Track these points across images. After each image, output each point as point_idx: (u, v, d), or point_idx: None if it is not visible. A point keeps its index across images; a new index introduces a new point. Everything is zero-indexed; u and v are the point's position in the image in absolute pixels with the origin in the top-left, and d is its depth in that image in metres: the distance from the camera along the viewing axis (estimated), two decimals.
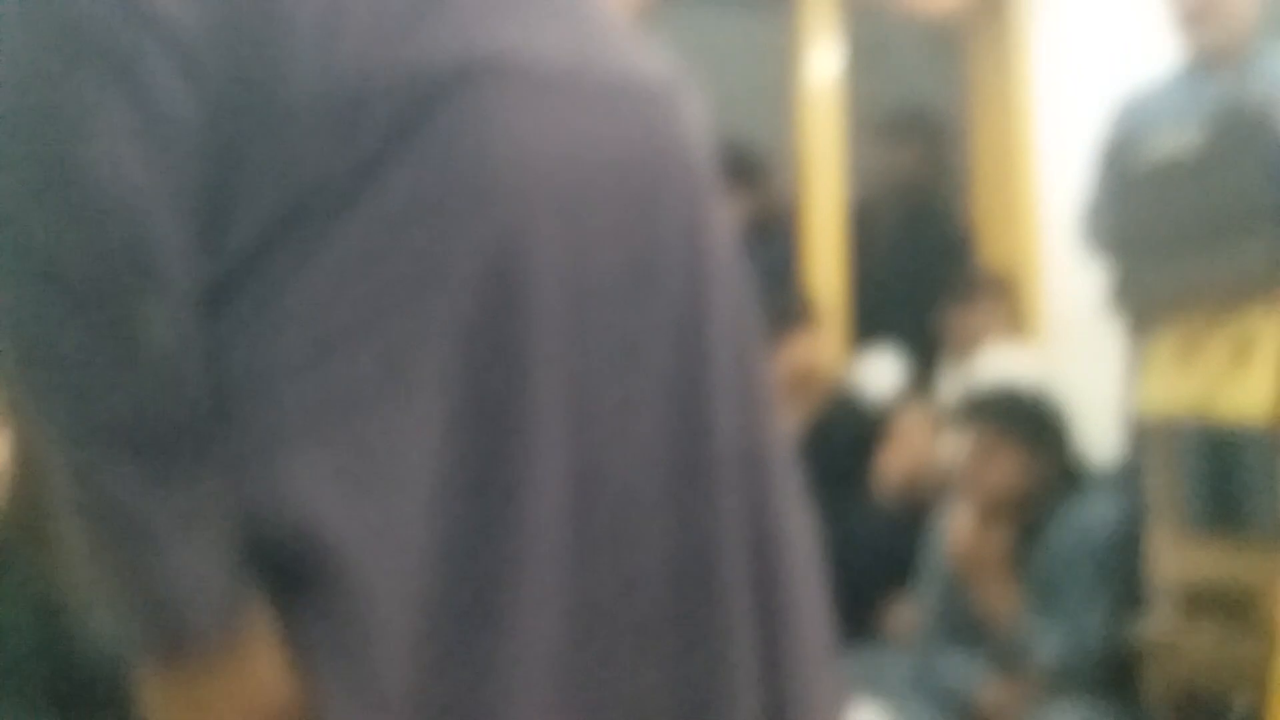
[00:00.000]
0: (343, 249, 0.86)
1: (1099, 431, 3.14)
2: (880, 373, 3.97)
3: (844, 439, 3.68)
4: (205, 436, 0.82)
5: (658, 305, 0.93)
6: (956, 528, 2.98)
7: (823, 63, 4.17)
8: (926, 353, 4.03)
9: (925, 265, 4.16)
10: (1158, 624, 2.62)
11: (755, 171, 4.38)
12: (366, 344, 0.85)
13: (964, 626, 2.96)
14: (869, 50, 4.38)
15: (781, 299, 3.89)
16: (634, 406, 0.92)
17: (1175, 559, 2.64)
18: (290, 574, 0.82)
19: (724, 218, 1.01)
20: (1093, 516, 2.85)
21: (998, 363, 3.62)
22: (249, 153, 0.86)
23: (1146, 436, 2.78)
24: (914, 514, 3.35)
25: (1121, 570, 2.75)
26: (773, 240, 4.23)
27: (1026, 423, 2.98)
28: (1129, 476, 2.86)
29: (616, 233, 0.92)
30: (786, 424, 1.01)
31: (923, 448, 3.39)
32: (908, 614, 3.22)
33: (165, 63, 0.83)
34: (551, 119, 0.90)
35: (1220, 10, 3.05)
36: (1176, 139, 2.63)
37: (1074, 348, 3.75)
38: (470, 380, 0.86)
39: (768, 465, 1.01)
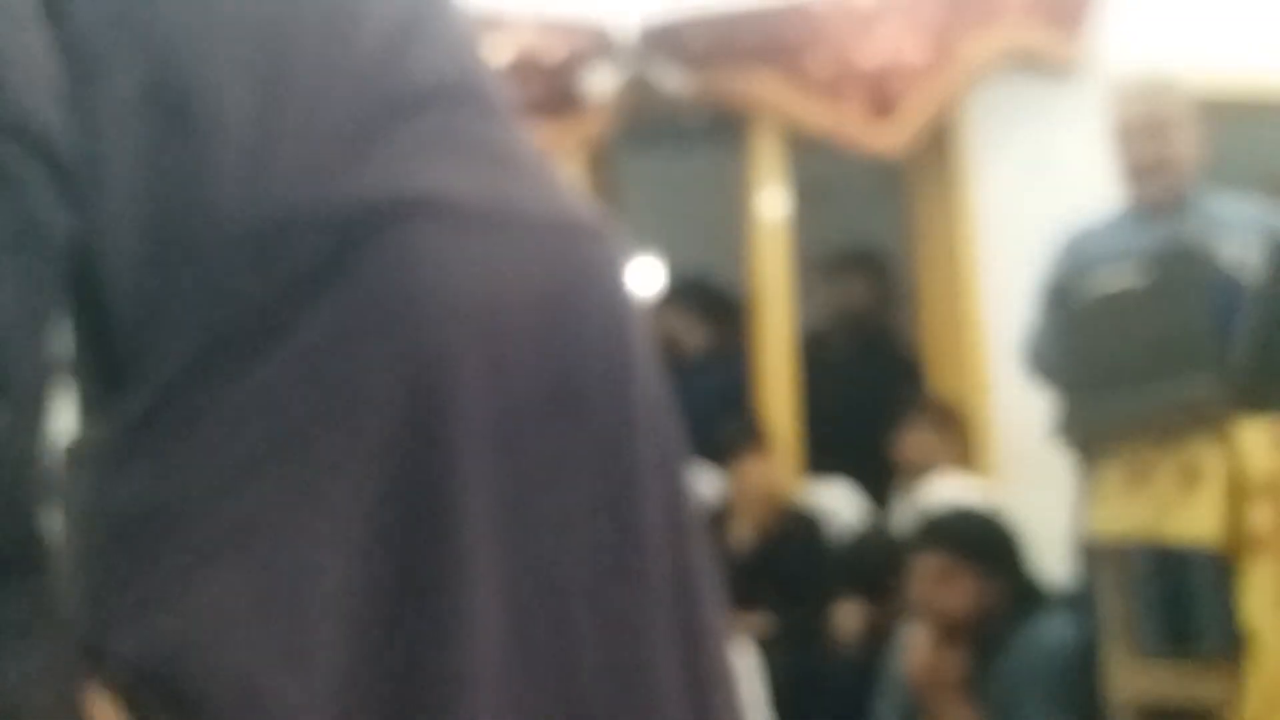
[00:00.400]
0: (263, 378, 0.86)
1: (1051, 556, 3.21)
2: (837, 503, 4.05)
3: (799, 556, 3.76)
4: (38, 552, 0.80)
5: (582, 428, 0.96)
6: (914, 650, 3.03)
7: (773, 200, 4.29)
8: (878, 480, 4.10)
9: (875, 394, 4.22)
10: None
11: (721, 304, 4.50)
12: (281, 470, 0.85)
13: None
14: (817, 188, 4.51)
15: (735, 422, 4.00)
16: (563, 523, 0.94)
17: (1130, 679, 2.71)
18: (199, 703, 0.81)
19: (647, 348, 1.04)
20: (1049, 637, 2.92)
21: (948, 489, 3.69)
22: (172, 284, 0.87)
23: (1098, 560, 2.86)
24: (871, 648, 3.40)
25: (1079, 690, 2.81)
26: (727, 368, 4.34)
27: (982, 545, 3.04)
28: (1083, 599, 2.93)
29: (539, 361, 0.94)
30: (724, 546, 1.10)
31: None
32: None
33: (40, 175, 0.81)
34: (475, 254, 0.92)
35: (1169, 165, 3.17)
36: (1120, 275, 2.75)
37: (1023, 473, 3.82)
38: (394, 504, 0.86)
39: (696, 582, 1.03)
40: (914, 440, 3.94)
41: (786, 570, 3.77)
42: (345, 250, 0.88)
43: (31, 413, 0.80)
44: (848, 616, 3.55)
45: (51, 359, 0.83)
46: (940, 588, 2.99)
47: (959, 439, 3.98)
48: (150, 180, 0.88)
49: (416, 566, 0.86)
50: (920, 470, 3.86)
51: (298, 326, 0.87)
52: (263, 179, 0.89)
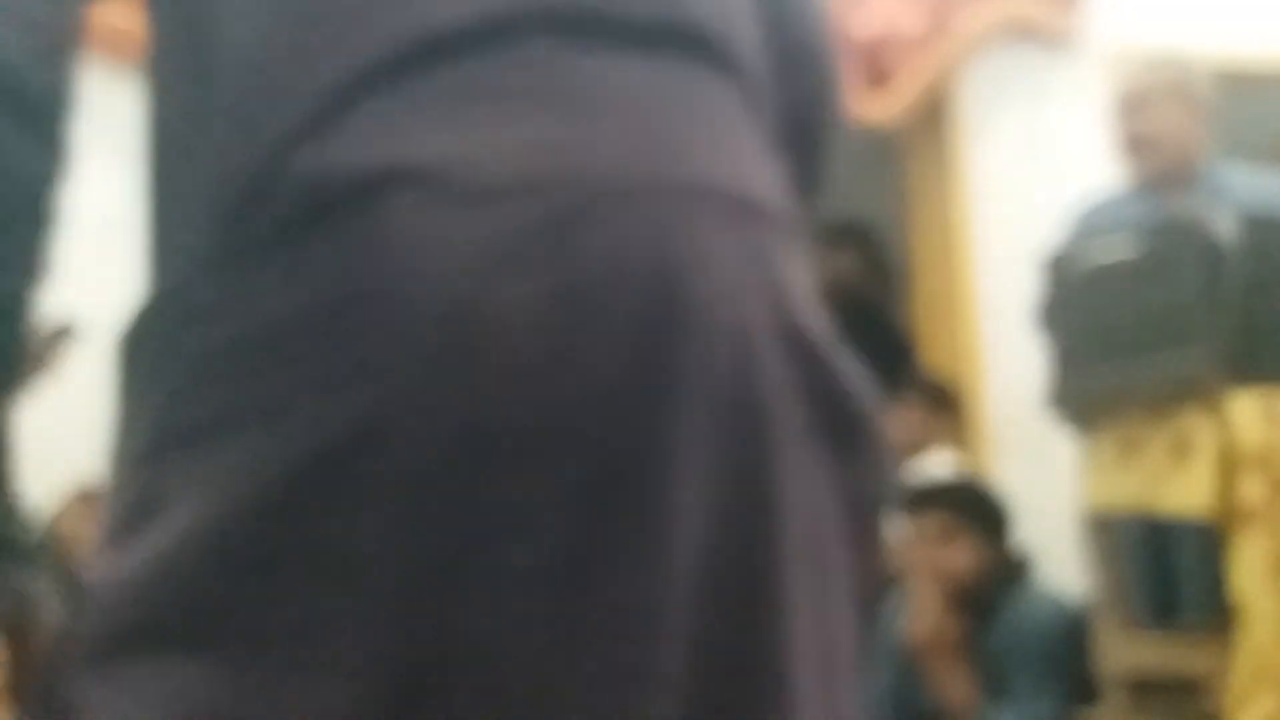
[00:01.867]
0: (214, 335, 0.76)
1: (1044, 530, 3.23)
2: None
3: None
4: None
5: (569, 459, 0.73)
6: (920, 613, 3.04)
7: None
8: None
9: (866, 368, 4.20)
10: (1108, 712, 2.70)
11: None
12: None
13: (919, 717, 3.02)
14: None
15: None
16: (509, 579, 0.73)
17: (1122, 649, 2.72)
18: None
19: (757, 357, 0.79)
20: (1040, 608, 2.94)
21: (939, 468, 3.69)
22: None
23: (1090, 532, 2.87)
24: None
25: (1070, 661, 2.83)
26: None
27: (979, 508, 3.08)
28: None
29: (524, 376, 0.73)
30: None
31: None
32: None
33: None
34: (459, 236, 0.73)
35: (1159, 140, 3.16)
36: (1116, 246, 2.75)
37: (1017, 447, 3.83)
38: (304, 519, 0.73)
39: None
40: (906, 420, 3.93)
41: None
42: (310, 220, 0.75)
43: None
44: None
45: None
46: (942, 547, 3.01)
47: (952, 418, 3.97)
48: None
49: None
50: (912, 450, 3.85)
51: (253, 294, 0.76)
52: (250, 114, 0.80)
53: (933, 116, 4.24)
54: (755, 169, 0.85)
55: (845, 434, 0.86)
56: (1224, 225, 2.53)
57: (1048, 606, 2.96)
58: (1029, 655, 2.87)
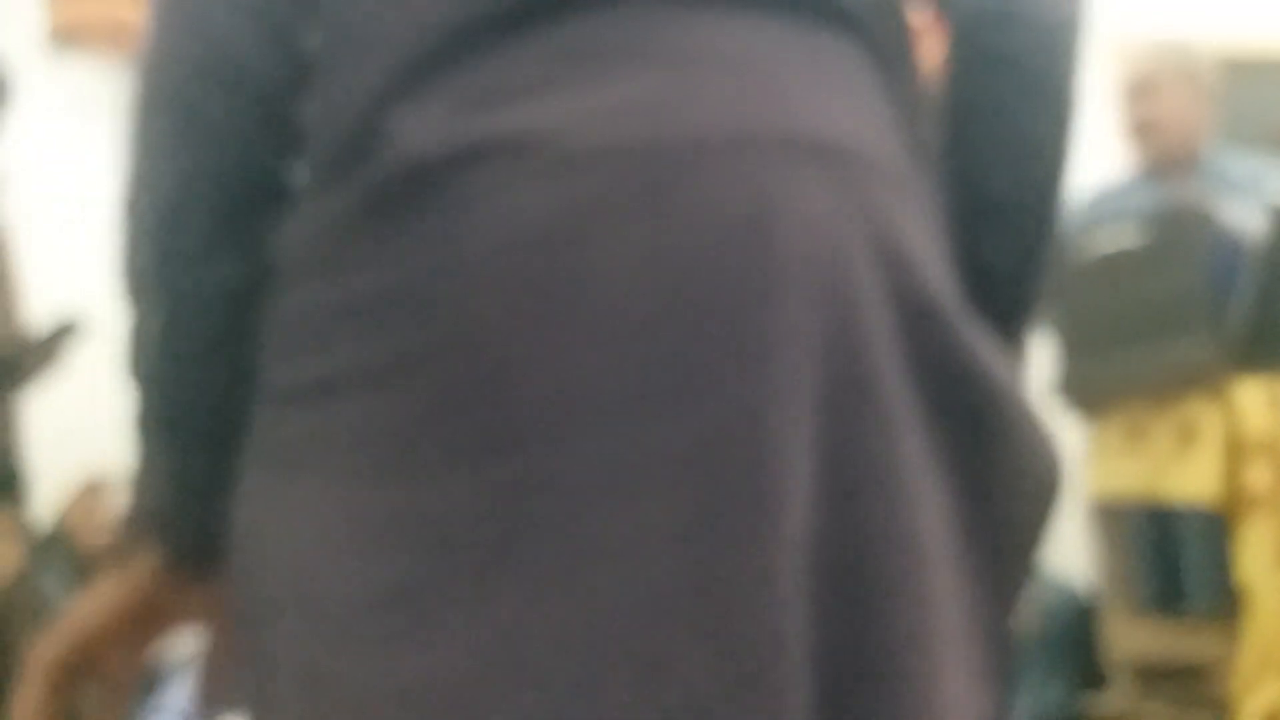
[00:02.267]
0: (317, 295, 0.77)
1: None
2: None
3: None
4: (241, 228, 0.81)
5: (677, 431, 0.71)
6: None
7: None
8: None
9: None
10: (1116, 697, 2.71)
11: None
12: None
13: None
14: None
15: None
16: (630, 549, 0.71)
17: (1128, 636, 2.73)
18: None
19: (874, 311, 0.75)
20: (1047, 596, 2.95)
21: None
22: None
23: (1096, 519, 2.88)
24: None
25: (1078, 646, 2.84)
26: None
27: None
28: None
29: (619, 336, 0.71)
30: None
31: None
32: None
33: None
34: (545, 204, 0.72)
35: (1167, 125, 3.17)
36: (1119, 235, 2.76)
37: None
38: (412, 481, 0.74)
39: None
40: None
41: None
42: (396, 196, 0.75)
43: (258, 105, 0.81)
44: None
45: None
46: None
47: None
48: None
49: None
50: None
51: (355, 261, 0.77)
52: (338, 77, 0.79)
53: (939, 105, 4.23)
54: (868, 125, 0.80)
55: (970, 420, 0.78)
56: (1245, 215, 2.54)
57: (1055, 594, 2.97)
58: (1036, 642, 2.87)
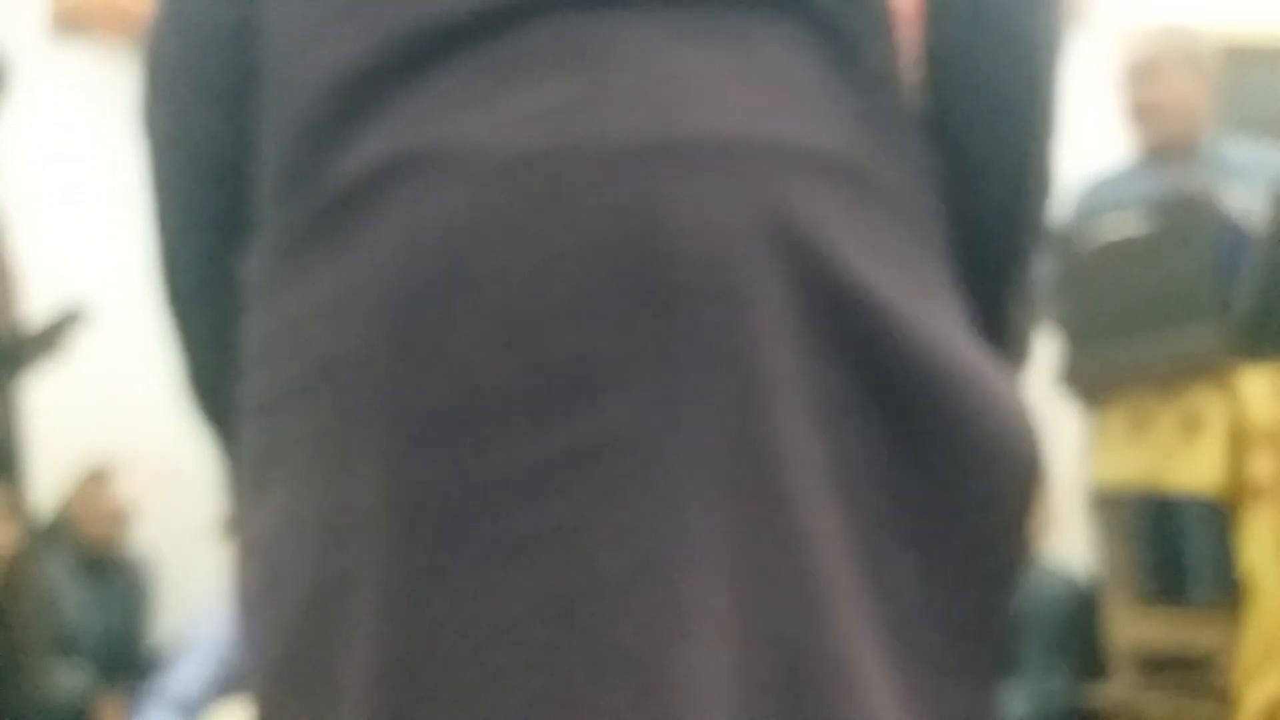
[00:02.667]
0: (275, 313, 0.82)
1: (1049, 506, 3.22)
2: None
3: None
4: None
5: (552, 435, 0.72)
6: None
7: None
8: None
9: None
10: (1118, 687, 2.71)
11: None
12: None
13: None
14: None
15: None
16: (491, 562, 0.72)
17: (1130, 626, 2.73)
18: None
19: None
20: (1050, 585, 2.94)
21: None
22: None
23: (1099, 509, 2.87)
24: None
25: (1080, 636, 2.84)
26: None
27: None
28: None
29: (510, 342, 0.73)
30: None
31: None
32: None
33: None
34: (460, 211, 0.74)
35: (1168, 108, 3.16)
36: (1124, 223, 2.75)
37: None
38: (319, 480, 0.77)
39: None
40: None
41: None
42: (330, 218, 0.79)
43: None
44: None
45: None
46: None
47: None
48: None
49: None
50: None
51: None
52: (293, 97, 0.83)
53: None
54: (794, 114, 0.79)
55: (910, 404, 0.77)
56: (1249, 202, 2.53)
57: (1057, 583, 2.96)
58: (1038, 631, 2.87)
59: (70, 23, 4.28)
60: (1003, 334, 0.89)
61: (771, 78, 0.79)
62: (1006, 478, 0.80)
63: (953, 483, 0.78)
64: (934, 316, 0.78)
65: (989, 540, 0.80)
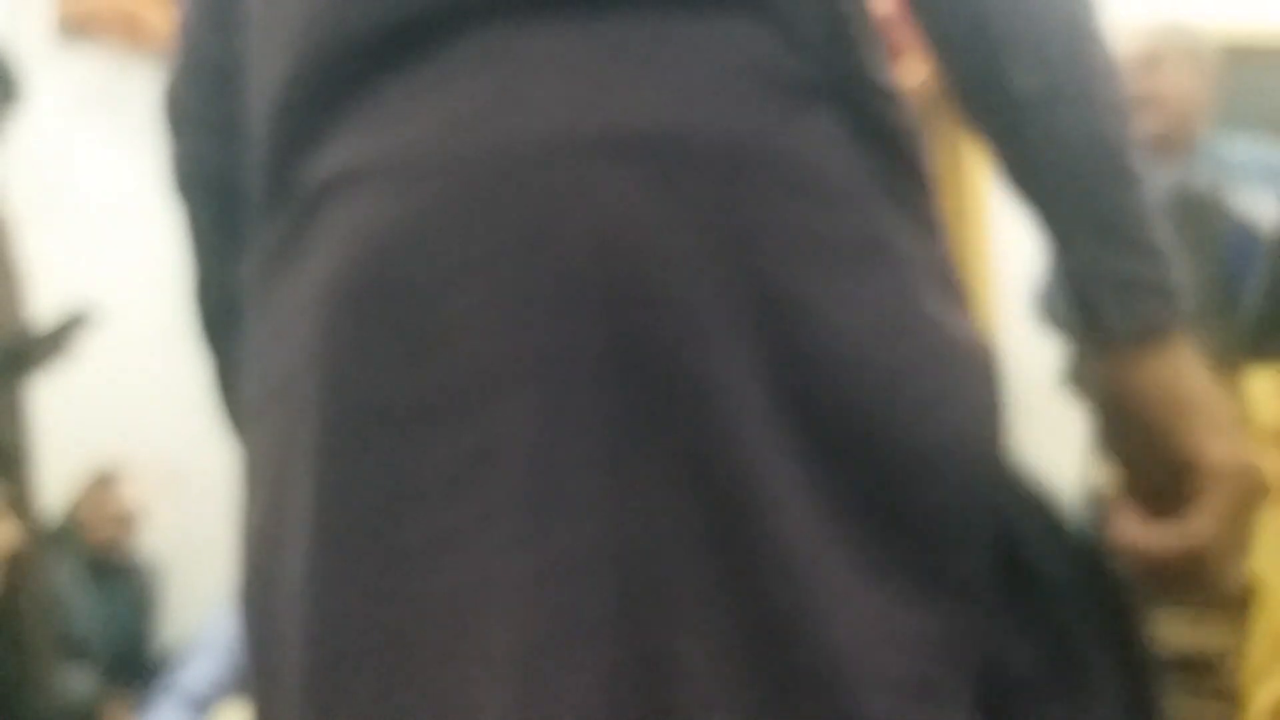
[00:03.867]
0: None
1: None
2: None
3: None
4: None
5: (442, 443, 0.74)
6: None
7: None
8: None
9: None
10: None
11: None
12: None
13: None
14: None
15: None
16: (402, 558, 0.75)
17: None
18: None
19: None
20: None
21: None
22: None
23: (1104, 510, 2.86)
24: None
25: None
26: None
27: None
28: None
29: (418, 350, 0.76)
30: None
31: None
32: None
33: None
34: (378, 224, 0.77)
35: (1168, 101, 3.16)
36: None
37: (1029, 423, 3.83)
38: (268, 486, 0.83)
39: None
40: None
41: None
42: (288, 234, 0.83)
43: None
44: None
45: None
46: None
47: None
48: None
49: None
50: None
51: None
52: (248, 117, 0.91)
53: (944, 94, 4.22)
54: (711, 108, 0.77)
55: (830, 395, 0.75)
56: (1256, 202, 2.52)
57: None
58: None
59: (75, 27, 4.29)
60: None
61: (684, 72, 0.78)
62: (948, 488, 0.78)
63: (877, 461, 0.76)
64: (864, 305, 0.77)
65: (939, 553, 0.78)
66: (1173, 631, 2.67)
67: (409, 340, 0.75)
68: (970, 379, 0.83)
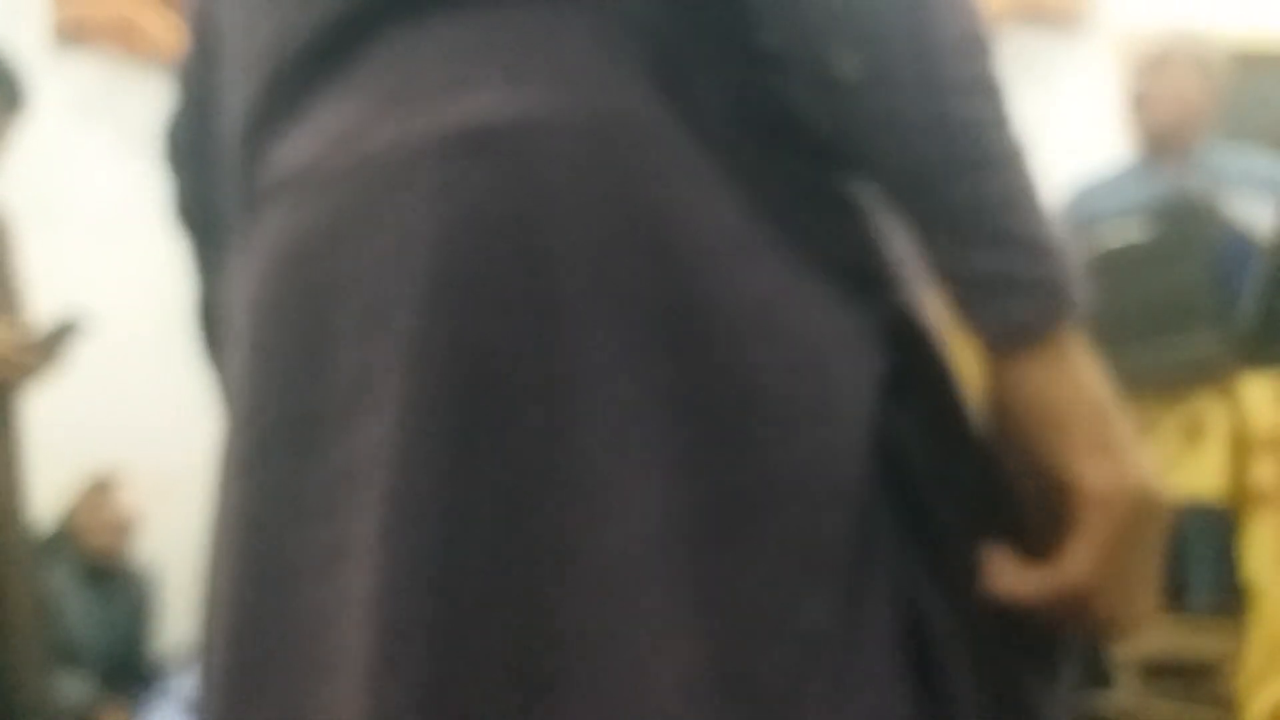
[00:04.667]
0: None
1: None
2: None
3: None
4: None
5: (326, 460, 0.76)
6: None
7: None
8: None
9: None
10: (1121, 695, 2.70)
11: None
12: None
13: None
14: None
15: None
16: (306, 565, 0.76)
17: (1133, 633, 2.72)
18: None
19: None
20: None
21: None
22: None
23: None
24: None
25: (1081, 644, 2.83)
26: None
27: None
28: None
29: (270, 367, 0.80)
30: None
31: None
32: None
33: None
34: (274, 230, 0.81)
35: (1170, 102, 3.16)
36: (1124, 230, 2.74)
37: None
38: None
39: None
40: None
41: None
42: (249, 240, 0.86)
43: None
44: None
45: None
46: None
47: None
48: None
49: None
50: None
51: None
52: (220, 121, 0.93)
53: None
54: (571, 100, 0.75)
55: (715, 382, 0.73)
56: (1251, 209, 2.53)
57: None
58: None
59: (72, 34, 4.29)
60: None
61: (558, 55, 0.75)
62: (827, 441, 0.74)
63: (747, 443, 0.73)
64: (742, 299, 0.73)
65: (803, 517, 0.73)
66: (1169, 638, 2.68)
67: (309, 351, 0.77)
68: (836, 385, 0.75)
